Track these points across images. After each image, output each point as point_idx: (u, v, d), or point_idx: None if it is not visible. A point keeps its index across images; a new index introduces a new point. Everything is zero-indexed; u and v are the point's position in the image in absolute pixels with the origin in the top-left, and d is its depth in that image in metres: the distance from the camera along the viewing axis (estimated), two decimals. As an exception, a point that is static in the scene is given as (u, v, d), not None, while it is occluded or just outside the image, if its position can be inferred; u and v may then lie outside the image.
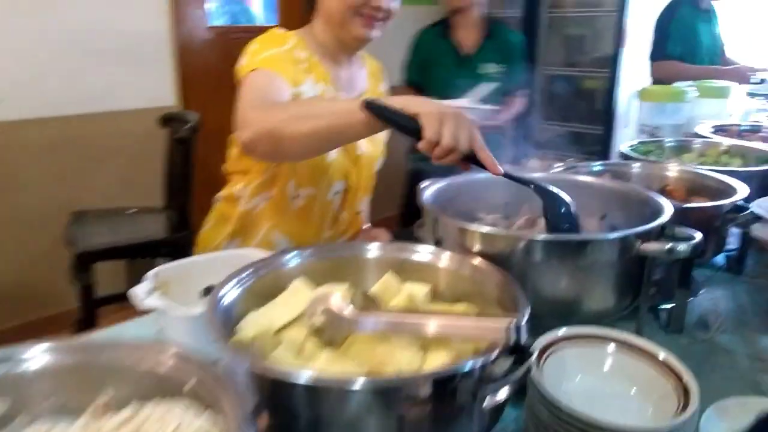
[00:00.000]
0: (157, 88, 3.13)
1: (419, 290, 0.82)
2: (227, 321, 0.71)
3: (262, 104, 1.09)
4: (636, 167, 1.30)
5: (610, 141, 3.70)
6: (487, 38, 2.68)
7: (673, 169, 1.26)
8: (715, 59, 3.17)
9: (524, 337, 0.59)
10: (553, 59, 4.08)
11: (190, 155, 2.35)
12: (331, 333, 0.71)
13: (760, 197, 1.28)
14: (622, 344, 0.76)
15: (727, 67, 2.97)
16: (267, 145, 1.03)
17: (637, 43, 3.54)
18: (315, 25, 1.36)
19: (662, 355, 0.73)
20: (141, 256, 2.50)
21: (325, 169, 1.34)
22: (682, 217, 1.00)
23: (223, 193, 1.45)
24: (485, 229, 0.83)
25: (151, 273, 1.00)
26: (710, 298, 1.20)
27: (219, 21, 3.82)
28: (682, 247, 0.78)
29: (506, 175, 0.89)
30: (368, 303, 0.76)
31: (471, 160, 0.86)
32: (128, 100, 3.02)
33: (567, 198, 0.92)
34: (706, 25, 3.14)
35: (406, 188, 2.79)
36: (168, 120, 2.56)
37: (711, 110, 2.25)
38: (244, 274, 0.76)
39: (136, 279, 0.97)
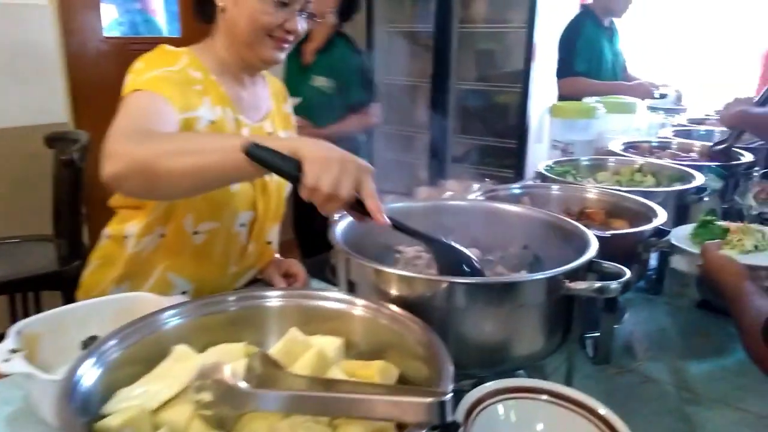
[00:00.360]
0: (45, 103, 2.85)
1: (330, 345, 0.72)
2: (90, 401, 0.57)
3: (136, 133, 0.92)
4: (555, 189, 1.26)
5: (524, 155, 3.76)
6: (322, 51, 2.63)
7: (592, 191, 1.23)
8: (618, 75, 3.28)
9: (449, 415, 0.50)
10: (465, 74, 4.10)
11: (80, 178, 2.12)
12: (223, 411, 0.59)
13: (676, 217, 1.28)
14: (556, 396, 0.69)
15: (632, 83, 3.08)
16: (137, 182, 0.87)
17: (547, 59, 3.62)
18: (215, 41, 1.22)
19: (602, 410, 0.66)
20: (24, 292, 2.24)
21: (228, 200, 1.21)
22: (604, 246, 0.96)
23: (109, 230, 1.27)
24: (402, 272, 0.74)
25: (13, 329, 0.84)
26: (634, 323, 1.17)
27: (117, 31, 3.56)
28: (613, 285, 0.72)
29: (394, 226, 0.80)
30: (269, 368, 0.64)
31: (356, 208, 0.77)
32: (11, 116, 2.72)
33: (465, 252, 0.85)
34: (608, 42, 3.25)
35: (294, 211, 2.62)
36: (54, 140, 2.31)
37: (619, 125, 2.30)
38: (113, 340, 0.63)
39: (19, 318, 0.80)
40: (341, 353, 0.73)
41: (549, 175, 1.39)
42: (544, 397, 0.69)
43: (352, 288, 0.80)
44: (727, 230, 1.10)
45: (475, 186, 1.47)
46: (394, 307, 0.71)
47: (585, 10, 3.28)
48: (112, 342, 0.62)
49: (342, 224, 0.91)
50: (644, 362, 1.06)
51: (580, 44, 3.09)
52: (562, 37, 3.18)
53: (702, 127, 2.20)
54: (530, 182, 1.36)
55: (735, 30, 3.65)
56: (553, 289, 0.74)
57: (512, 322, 0.75)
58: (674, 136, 1.99)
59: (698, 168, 1.46)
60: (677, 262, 1.10)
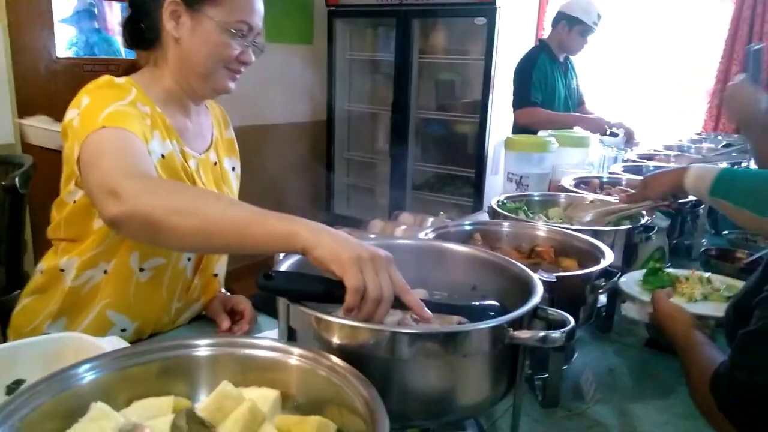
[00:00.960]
0: (-10, 124, 2.74)
1: (265, 398, 0.68)
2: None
3: (140, 175, 0.90)
4: (506, 226, 1.26)
5: (482, 184, 3.80)
6: None
7: (542, 229, 1.23)
8: (571, 110, 3.37)
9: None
10: (425, 103, 4.15)
11: (22, 205, 2.03)
12: (141, 477, 0.55)
13: (624, 255, 1.29)
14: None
15: (587, 116, 3.16)
16: (139, 229, 0.86)
17: (505, 90, 3.69)
18: (162, 71, 1.19)
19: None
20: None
21: None
22: (552, 288, 0.95)
23: (44, 264, 1.21)
24: (344, 321, 0.71)
25: None
26: (583, 363, 1.16)
27: (71, 51, 3.48)
28: (556, 335, 0.71)
29: (437, 313, 0.80)
30: (196, 427, 0.60)
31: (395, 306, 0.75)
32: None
33: (495, 304, 0.85)
34: (562, 77, 3.34)
35: None
36: (-5, 163, 2.21)
37: (573, 159, 2.34)
38: (22, 397, 0.58)
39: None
40: (277, 407, 0.69)
41: (501, 211, 1.38)
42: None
43: (292, 335, 0.77)
44: (676, 278, 1.11)
45: (429, 220, 1.46)
46: (333, 358, 0.68)
47: (541, 44, 3.37)
48: (21, 401, 0.57)
49: (286, 264, 0.88)
50: (593, 405, 1.05)
51: (535, 76, 3.16)
52: (517, 69, 3.25)
53: (651, 163, 2.25)
54: (481, 219, 1.35)
55: (682, 69, 3.80)
56: (497, 338, 0.72)
57: (456, 372, 0.72)
58: (624, 171, 2.03)
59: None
60: (628, 309, 1.10)
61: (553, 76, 3.27)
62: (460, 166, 3.97)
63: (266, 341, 0.73)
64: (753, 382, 0.65)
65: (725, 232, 1.98)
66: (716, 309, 1.08)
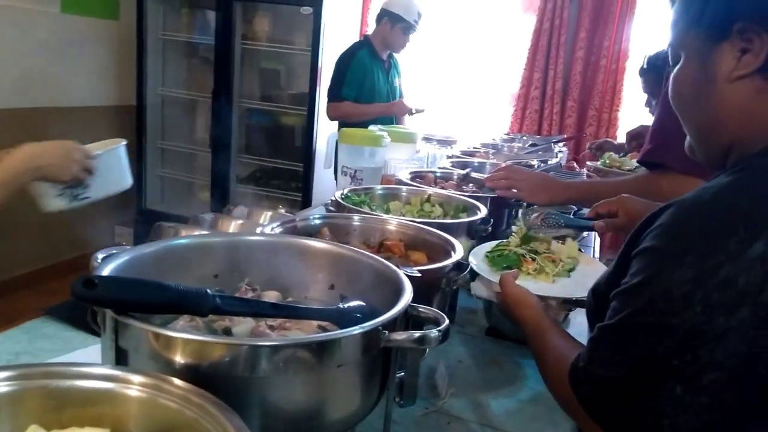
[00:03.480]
0: None
1: (90, 441, 0.53)
2: None
3: None
4: (355, 220, 1.20)
5: (310, 178, 3.73)
6: None
7: (391, 223, 1.20)
8: None
9: None
10: (249, 92, 3.96)
11: None
12: None
13: (470, 249, 1.31)
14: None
15: (389, 103, 3.25)
16: None
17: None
18: None
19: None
20: None
21: None
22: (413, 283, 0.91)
23: None
24: (190, 336, 0.59)
25: None
26: (434, 357, 1.15)
27: None
28: (434, 334, 0.66)
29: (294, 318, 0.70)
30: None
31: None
32: None
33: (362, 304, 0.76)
34: (383, 74, 3.38)
35: None
36: None
37: (402, 154, 2.38)
38: None
39: None
40: (107, 450, 0.55)
41: (346, 204, 1.33)
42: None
43: (121, 358, 0.62)
44: (521, 256, 1.15)
45: (266, 215, 1.34)
46: (182, 383, 0.55)
47: (364, 40, 3.39)
48: None
49: (108, 267, 0.71)
50: (448, 399, 1.04)
51: (351, 70, 3.18)
52: (336, 62, 3.24)
53: (475, 159, 2.38)
54: (329, 212, 1.28)
55: (491, 74, 4.12)
56: (371, 344, 0.65)
57: (328, 384, 0.64)
58: (452, 167, 2.10)
59: (479, 199, 1.54)
60: (477, 288, 1.10)
61: (373, 72, 3.28)
62: (288, 160, 3.86)
63: (89, 367, 0.57)
64: (611, 377, 0.66)
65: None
66: (564, 286, 1.11)
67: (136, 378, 0.56)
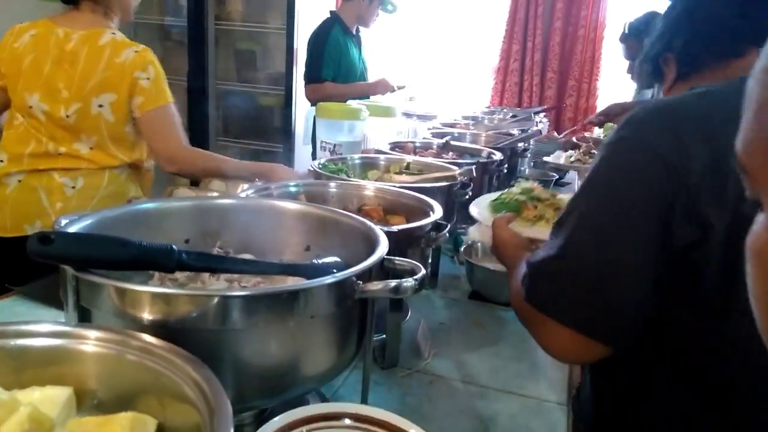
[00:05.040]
0: None
1: (52, 400, 0.51)
2: None
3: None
4: (333, 187, 1.18)
5: (291, 158, 3.68)
6: None
7: (369, 188, 1.18)
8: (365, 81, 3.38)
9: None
10: (225, 74, 3.89)
11: None
12: None
13: (445, 212, 1.30)
14: (360, 420, 0.58)
15: (372, 81, 3.18)
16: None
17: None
18: None
19: (412, 430, 0.57)
20: None
21: None
22: (391, 241, 0.90)
23: None
24: (157, 289, 0.56)
25: None
26: (416, 320, 1.14)
27: None
28: (409, 283, 0.64)
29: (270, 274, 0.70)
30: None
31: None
32: None
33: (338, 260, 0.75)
34: (357, 50, 3.32)
35: None
36: None
37: (381, 127, 2.35)
38: None
39: None
40: (71, 408, 0.52)
41: (323, 173, 1.30)
42: (347, 421, 0.58)
43: (85, 318, 0.59)
44: (523, 202, 1.14)
45: (245, 185, 1.32)
46: (146, 337, 0.53)
47: (333, 16, 3.29)
48: None
49: (72, 228, 0.69)
50: (430, 360, 1.03)
51: (327, 50, 3.08)
52: (310, 41, 3.13)
53: (454, 130, 2.36)
54: (307, 180, 1.25)
55: (469, 47, 4.09)
56: (345, 294, 0.63)
57: (301, 337, 0.62)
58: (432, 137, 2.08)
59: (458, 165, 1.52)
60: (472, 233, 1.10)
61: (348, 49, 3.21)
62: (267, 141, 3.81)
63: (45, 326, 0.55)
64: (543, 260, 0.71)
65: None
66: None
67: (93, 333, 0.54)
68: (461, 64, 4.10)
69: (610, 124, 2.50)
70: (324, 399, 0.84)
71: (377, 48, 3.59)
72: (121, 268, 0.60)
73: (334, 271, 0.69)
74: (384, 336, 0.99)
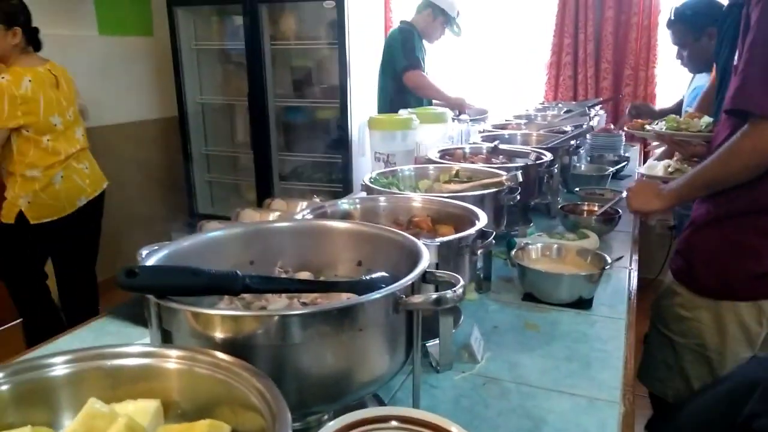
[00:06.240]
0: None
1: (143, 411, 0.60)
2: None
3: None
4: (382, 201, 1.24)
5: (350, 168, 3.79)
6: None
7: (417, 200, 1.24)
8: None
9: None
10: (283, 91, 4.05)
11: None
12: None
13: (494, 217, 1.34)
14: (405, 422, 0.65)
15: (454, 96, 3.26)
16: None
17: (362, 73, 3.70)
18: None
19: (454, 429, 0.63)
20: None
21: None
22: (435, 253, 0.95)
23: None
24: (223, 312, 0.65)
25: None
26: (469, 323, 1.19)
27: None
28: (450, 295, 0.70)
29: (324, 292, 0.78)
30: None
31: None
32: None
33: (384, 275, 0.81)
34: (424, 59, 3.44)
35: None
36: None
37: (433, 135, 2.40)
38: None
39: None
40: (158, 418, 0.61)
41: (375, 186, 1.37)
42: (393, 423, 0.65)
43: (167, 339, 0.69)
44: None
45: (303, 204, 1.41)
46: (215, 353, 0.61)
47: (409, 25, 3.40)
48: None
49: (150, 260, 0.79)
50: (484, 363, 1.07)
51: (415, 43, 3.25)
52: (395, 39, 3.30)
53: (505, 131, 2.38)
54: (358, 196, 1.32)
55: (521, 46, 4.06)
56: (390, 308, 0.69)
57: (353, 348, 0.69)
58: (483, 141, 2.11)
59: (507, 169, 1.55)
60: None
61: (422, 54, 3.37)
62: (326, 153, 3.94)
63: (134, 347, 0.64)
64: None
65: (576, 189, 2.14)
66: None
67: (174, 352, 0.63)
68: (513, 61, 4.08)
69: (673, 116, 2.38)
70: (381, 402, 0.90)
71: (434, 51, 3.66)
72: (195, 294, 0.69)
73: (382, 286, 0.76)
74: (437, 341, 1.05)
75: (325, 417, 0.81)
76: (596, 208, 1.84)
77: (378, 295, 0.68)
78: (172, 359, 0.63)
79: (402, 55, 3.26)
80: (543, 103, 3.64)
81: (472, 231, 1.03)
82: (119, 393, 0.62)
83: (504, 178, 1.40)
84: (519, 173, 1.39)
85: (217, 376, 0.60)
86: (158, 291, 0.67)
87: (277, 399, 0.54)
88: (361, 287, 0.76)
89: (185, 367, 0.62)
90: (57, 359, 0.61)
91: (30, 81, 2.35)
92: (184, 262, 0.86)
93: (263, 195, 4.07)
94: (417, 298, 0.70)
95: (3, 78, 2.31)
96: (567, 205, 1.89)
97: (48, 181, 2.48)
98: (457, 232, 1.17)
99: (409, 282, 0.71)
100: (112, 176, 2.92)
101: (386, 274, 0.81)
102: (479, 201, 1.24)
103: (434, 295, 0.70)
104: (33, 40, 2.48)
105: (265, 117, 3.91)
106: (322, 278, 0.95)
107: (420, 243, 0.84)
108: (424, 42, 3.41)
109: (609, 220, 1.75)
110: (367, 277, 0.79)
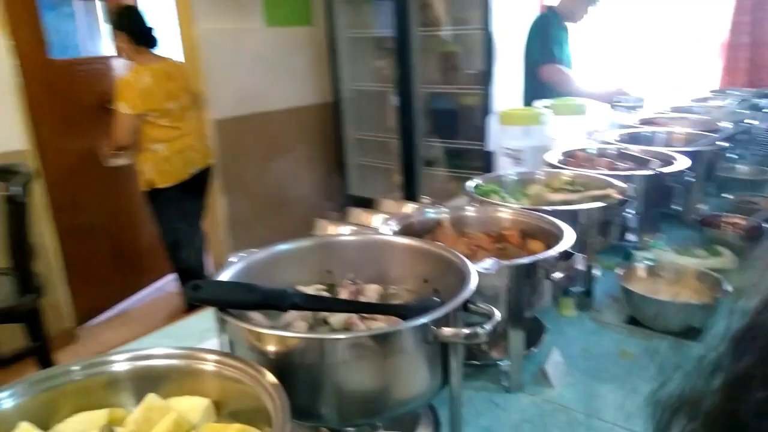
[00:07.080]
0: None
1: (196, 407, 0.70)
2: None
3: None
4: (473, 212, 1.24)
5: (491, 156, 3.73)
6: None
7: (508, 212, 1.21)
8: None
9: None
10: (429, 76, 4.08)
11: (24, 213, 2.10)
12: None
13: (600, 232, 1.26)
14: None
15: (598, 91, 3.05)
16: None
17: (509, 59, 3.61)
18: None
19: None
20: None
21: None
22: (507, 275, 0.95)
23: None
24: (269, 331, 0.72)
25: None
26: (558, 343, 1.15)
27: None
28: (481, 331, 0.70)
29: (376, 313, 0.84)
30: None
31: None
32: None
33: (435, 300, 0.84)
34: (567, 42, 3.27)
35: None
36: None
37: (568, 127, 2.29)
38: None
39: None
40: (209, 415, 0.71)
41: (475, 195, 1.36)
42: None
43: (232, 349, 0.78)
44: None
45: (385, 216, 1.41)
46: (260, 370, 0.69)
47: (550, 11, 3.30)
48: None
49: (230, 272, 0.89)
50: (560, 388, 1.04)
51: (553, 35, 3.15)
52: (533, 30, 3.25)
53: (650, 128, 2.18)
54: (452, 205, 1.33)
55: (689, 24, 3.64)
56: (423, 337, 0.72)
57: (386, 371, 0.73)
58: (619, 141, 1.96)
59: (630, 178, 1.44)
60: None
61: (562, 40, 3.23)
62: (469, 139, 3.92)
63: (201, 353, 0.74)
64: None
65: (724, 194, 1.90)
66: None
67: (230, 362, 0.72)
68: (681, 42, 3.68)
69: None
70: (435, 415, 0.93)
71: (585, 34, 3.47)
72: (250, 308, 0.77)
73: (425, 311, 0.78)
74: (507, 362, 1.04)
75: (379, 425, 0.87)
76: (742, 221, 1.63)
77: (407, 326, 0.71)
78: (226, 366, 0.71)
79: (537, 49, 3.16)
80: (715, 90, 3.24)
81: (538, 257, 0.99)
82: (183, 388, 0.73)
83: (614, 191, 1.31)
84: (630, 186, 1.29)
85: (223, 371, 0.69)
86: (220, 304, 0.77)
87: (282, 411, 0.60)
88: (404, 311, 0.79)
89: (231, 374, 0.71)
90: (159, 351, 0.74)
91: (148, 76, 2.94)
92: (273, 267, 0.96)
93: (408, 180, 4.18)
94: (448, 331, 0.72)
95: (129, 75, 2.96)
96: (707, 216, 1.70)
97: (168, 153, 3.11)
98: (548, 248, 1.13)
99: (443, 314, 0.73)
100: (277, 155, 3.28)
101: (436, 299, 0.83)
102: (572, 216, 1.18)
103: (465, 331, 0.71)
104: (144, 41, 3.02)
105: (410, 103, 3.99)
106: (391, 291, 0.99)
107: (471, 266, 0.85)
108: (568, 24, 3.24)
109: (754, 236, 1.55)
110: (414, 302, 0.82)
